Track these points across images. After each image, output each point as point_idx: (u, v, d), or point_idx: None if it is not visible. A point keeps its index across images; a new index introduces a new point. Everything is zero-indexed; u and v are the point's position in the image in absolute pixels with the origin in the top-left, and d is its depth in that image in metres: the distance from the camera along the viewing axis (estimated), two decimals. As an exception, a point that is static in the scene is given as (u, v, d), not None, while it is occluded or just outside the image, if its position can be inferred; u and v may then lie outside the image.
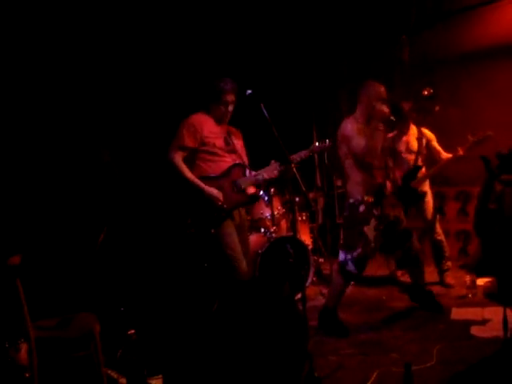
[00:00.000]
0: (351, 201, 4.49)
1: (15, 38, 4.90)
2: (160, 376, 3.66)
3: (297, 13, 7.33)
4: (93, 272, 4.71)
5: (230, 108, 4.45)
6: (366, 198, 4.41)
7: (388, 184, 4.62)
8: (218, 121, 4.50)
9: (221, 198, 4.29)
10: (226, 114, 4.47)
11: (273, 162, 4.50)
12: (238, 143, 4.60)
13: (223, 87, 4.39)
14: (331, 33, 7.71)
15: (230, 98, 4.41)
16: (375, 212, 4.44)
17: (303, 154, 4.49)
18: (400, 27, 7.29)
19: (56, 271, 4.52)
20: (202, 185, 4.29)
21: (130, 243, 5.18)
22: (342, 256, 4.50)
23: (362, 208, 4.42)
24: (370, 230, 4.41)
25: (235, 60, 6.53)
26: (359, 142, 4.36)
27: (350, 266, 4.42)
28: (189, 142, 4.35)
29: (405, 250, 4.67)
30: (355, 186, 4.47)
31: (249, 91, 4.08)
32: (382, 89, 4.50)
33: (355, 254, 4.40)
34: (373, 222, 4.41)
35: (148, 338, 4.13)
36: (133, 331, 4.13)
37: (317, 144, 4.69)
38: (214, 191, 4.28)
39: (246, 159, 4.64)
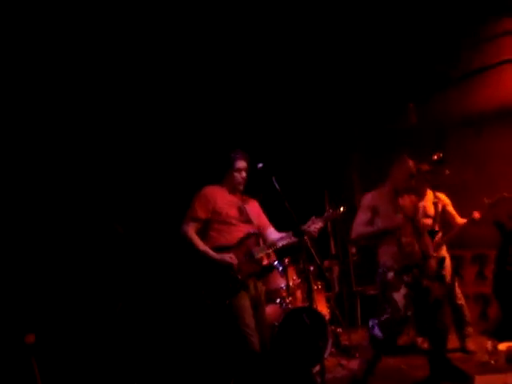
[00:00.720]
0: (380, 270, 4.50)
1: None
2: None
3: (309, 81, 7.52)
4: (108, 348, 4.67)
5: (243, 174, 4.47)
6: (395, 266, 4.41)
7: (418, 251, 4.58)
8: (232, 190, 4.52)
9: (234, 265, 4.24)
10: (238, 182, 4.48)
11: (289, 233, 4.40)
12: (253, 211, 4.58)
13: (234, 155, 4.48)
14: (343, 99, 7.87)
15: (241, 164, 4.46)
16: (406, 279, 4.42)
17: (318, 225, 4.33)
18: (410, 92, 7.45)
19: (71, 347, 4.50)
20: (215, 255, 4.26)
21: (145, 318, 5.16)
22: (370, 322, 4.47)
23: (390, 275, 4.42)
24: (399, 297, 4.37)
25: (247, 130, 6.66)
26: (387, 215, 4.44)
27: (376, 331, 4.37)
28: (201, 214, 4.37)
29: (433, 322, 4.54)
30: (383, 256, 4.50)
31: (260, 164, 4.19)
32: (413, 164, 4.61)
33: (382, 318, 4.36)
34: (403, 289, 4.37)
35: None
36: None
37: (330, 211, 4.55)
38: (226, 258, 4.23)
39: (264, 223, 4.61)
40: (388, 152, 7.33)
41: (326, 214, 4.52)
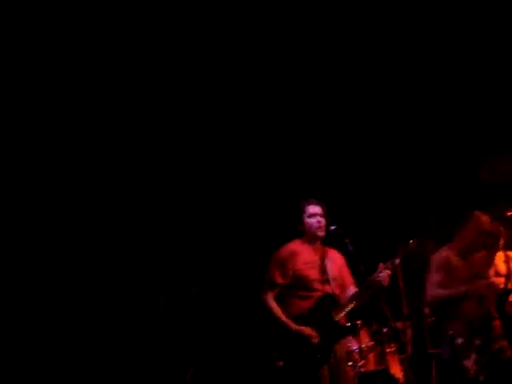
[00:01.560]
0: (450, 332, 4.32)
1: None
2: None
3: (382, 140, 7.52)
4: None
5: (318, 219, 4.26)
6: (463, 331, 4.25)
7: (484, 312, 4.42)
8: (311, 240, 4.32)
9: (313, 337, 4.07)
10: (315, 228, 4.26)
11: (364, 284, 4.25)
12: (335, 265, 4.38)
13: (305, 201, 4.33)
14: (417, 159, 7.80)
15: (313, 209, 4.28)
16: (476, 342, 4.24)
17: (389, 264, 4.16)
18: (484, 148, 7.32)
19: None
20: (292, 326, 4.12)
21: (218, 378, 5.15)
22: None
23: (460, 340, 4.24)
24: (469, 363, 4.19)
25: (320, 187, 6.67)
26: (458, 276, 4.32)
27: None
28: (278, 279, 4.23)
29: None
30: (451, 320, 4.34)
31: (332, 227, 4.13)
32: (488, 220, 4.47)
33: None
34: (473, 356, 4.19)
35: None
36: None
37: (401, 248, 4.35)
38: (304, 330, 4.09)
39: (346, 277, 4.41)
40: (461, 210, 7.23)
41: (398, 253, 4.28)
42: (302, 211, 4.34)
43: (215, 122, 6.27)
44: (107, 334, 4.81)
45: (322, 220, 4.29)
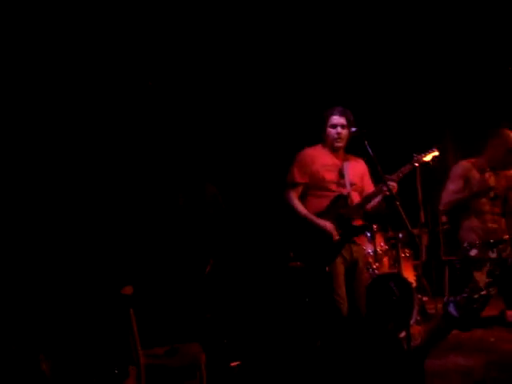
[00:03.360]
0: (464, 244, 4.38)
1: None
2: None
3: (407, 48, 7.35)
4: (199, 303, 4.84)
5: (338, 130, 4.25)
6: (478, 242, 4.30)
7: (504, 229, 4.44)
8: (332, 149, 4.35)
9: (334, 231, 4.15)
10: (334, 138, 4.27)
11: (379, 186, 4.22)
12: (357, 171, 4.41)
13: (329, 110, 4.32)
14: (439, 68, 7.63)
15: (336, 120, 4.26)
16: (491, 255, 4.30)
17: (406, 168, 4.17)
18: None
19: (165, 302, 4.69)
20: (317, 220, 4.19)
21: (235, 275, 5.30)
22: (446, 298, 4.38)
23: (474, 252, 4.30)
24: (480, 276, 4.25)
25: (343, 94, 6.60)
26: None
27: (452, 309, 4.25)
28: (298, 178, 4.31)
29: None
30: (467, 231, 4.37)
31: (353, 129, 4.14)
32: None
33: (459, 297, 4.25)
34: (486, 268, 4.27)
35: (251, 370, 4.19)
36: (237, 363, 4.21)
37: (419, 155, 4.31)
38: (326, 225, 4.16)
39: (367, 185, 4.43)
40: (486, 125, 7.13)
41: (414, 158, 4.26)
42: (325, 120, 4.34)
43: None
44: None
45: (343, 132, 4.28)
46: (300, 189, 4.34)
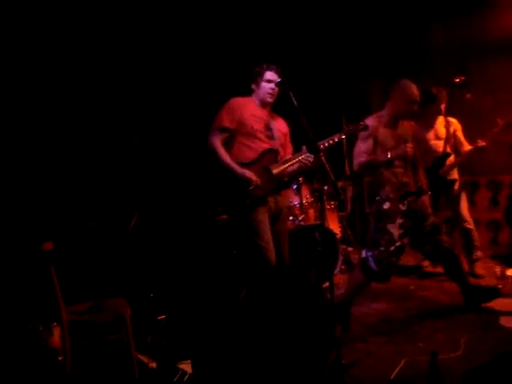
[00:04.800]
0: (377, 198, 4.45)
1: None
2: (189, 361, 3.72)
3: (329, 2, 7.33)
4: (124, 257, 4.79)
5: (272, 86, 4.29)
6: (390, 196, 4.38)
7: (413, 183, 4.54)
8: (261, 103, 4.38)
9: (254, 179, 4.15)
10: (267, 93, 4.31)
11: (304, 148, 4.33)
12: (280, 129, 4.47)
13: (264, 66, 4.32)
14: (363, 20, 7.68)
15: (273, 76, 4.28)
16: (401, 208, 4.39)
17: (335, 137, 4.23)
18: (435, 13, 7.22)
19: (88, 256, 4.61)
20: (237, 168, 4.18)
21: (161, 229, 5.25)
22: (364, 252, 4.46)
23: (386, 205, 4.37)
24: (394, 228, 4.36)
25: (267, 49, 6.54)
26: (386, 142, 4.37)
27: (371, 263, 4.34)
28: (227, 123, 4.25)
29: (434, 245, 4.52)
30: (379, 184, 4.44)
31: (279, 80, 4.14)
32: (415, 89, 4.42)
33: (377, 251, 4.35)
34: (398, 220, 4.37)
35: (177, 324, 4.20)
36: (163, 317, 4.21)
37: (349, 126, 4.36)
38: (246, 173, 4.15)
39: (289, 149, 4.52)
40: (410, 75, 7.26)
41: (344, 129, 4.34)
42: (259, 74, 4.34)
43: None
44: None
45: (276, 88, 4.32)
46: (226, 135, 4.29)
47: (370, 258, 4.33)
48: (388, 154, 4.33)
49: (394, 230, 4.33)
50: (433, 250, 4.55)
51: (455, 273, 4.66)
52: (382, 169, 4.40)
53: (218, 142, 4.26)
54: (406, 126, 4.56)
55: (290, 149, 4.54)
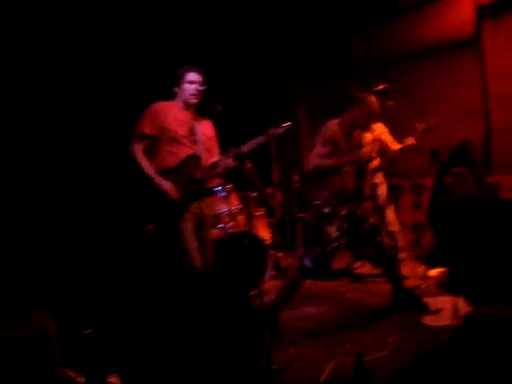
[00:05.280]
0: (318, 202, 4.51)
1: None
2: (117, 374, 3.65)
3: (254, 4, 7.39)
4: (48, 271, 4.66)
5: (196, 87, 4.22)
6: (331, 200, 4.46)
7: (355, 189, 4.64)
8: (185, 106, 4.30)
9: (172, 192, 4.12)
10: (191, 94, 4.24)
11: (231, 150, 4.20)
12: (206, 132, 4.41)
13: (185, 68, 4.27)
14: (288, 25, 7.78)
15: (193, 76, 4.23)
16: (341, 212, 4.48)
17: (259, 140, 4.18)
18: (357, 21, 7.39)
19: (9, 271, 4.46)
20: (156, 178, 4.12)
21: (87, 240, 5.14)
22: (300, 252, 4.53)
23: (326, 209, 4.45)
24: (331, 230, 4.43)
25: (191, 50, 6.52)
26: (344, 150, 4.46)
27: (307, 262, 4.41)
28: (147, 130, 4.17)
29: (376, 246, 4.62)
30: (322, 189, 4.51)
31: (202, 87, 4.13)
32: (378, 105, 4.57)
33: (313, 251, 4.41)
34: (336, 222, 4.45)
35: (105, 337, 4.11)
36: (89, 330, 4.11)
37: (273, 128, 4.28)
38: (165, 185, 4.11)
39: (215, 150, 4.45)
40: (333, 80, 7.43)
41: (268, 131, 4.24)
42: (182, 76, 4.28)
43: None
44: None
45: (199, 89, 4.25)
46: (147, 142, 4.21)
47: (306, 257, 4.40)
48: (344, 160, 4.42)
49: (332, 232, 4.42)
50: (374, 252, 4.65)
51: (392, 275, 4.79)
52: (330, 174, 4.48)
53: (138, 149, 4.18)
54: (359, 135, 4.70)
55: (216, 151, 4.47)
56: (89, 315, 4.42)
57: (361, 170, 4.68)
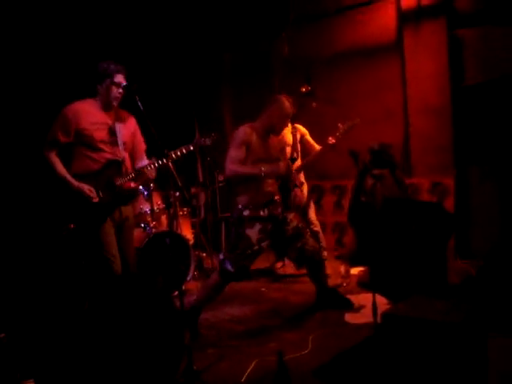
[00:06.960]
0: (239, 206, 4.49)
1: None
2: (32, 380, 3.51)
3: (179, 6, 7.32)
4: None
5: (121, 90, 4.07)
6: (252, 203, 4.45)
7: (272, 192, 4.64)
8: (106, 106, 4.14)
9: (93, 195, 4.01)
10: (116, 97, 4.09)
11: (153, 158, 4.20)
12: (128, 130, 4.26)
13: (114, 67, 4.07)
14: (214, 28, 7.75)
15: (122, 79, 4.07)
16: (262, 214, 4.48)
17: (184, 149, 4.19)
18: (281, 24, 7.44)
19: None
20: (73, 182, 4.00)
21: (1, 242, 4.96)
22: (221, 255, 4.50)
23: (246, 212, 4.44)
24: (253, 233, 4.43)
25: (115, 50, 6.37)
26: (257, 154, 4.45)
27: (228, 266, 4.38)
28: (60, 137, 4.02)
29: (299, 250, 4.65)
30: (243, 194, 4.49)
31: (124, 83, 4.01)
32: (290, 104, 4.58)
33: (233, 254, 4.40)
34: (257, 226, 4.44)
35: (20, 341, 3.95)
36: (3, 335, 3.94)
37: (200, 139, 4.55)
38: (84, 188, 3.99)
39: (140, 147, 4.35)
40: (259, 84, 7.47)
41: (194, 141, 4.39)
42: (109, 75, 4.07)
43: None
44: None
45: (122, 92, 4.11)
46: (61, 147, 4.07)
47: (227, 261, 4.37)
48: (262, 171, 4.38)
49: (253, 235, 4.41)
50: (297, 254, 4.68)
51: (316, 276, 4.84)
52: (249, 179, 4.46)
53: (51, 155, 4.04)
54: (275, 142, 4.71)
55: (141, 148, 4.37)
56: (2, 319, 4.25)
57: (284, 182, 4.73)
